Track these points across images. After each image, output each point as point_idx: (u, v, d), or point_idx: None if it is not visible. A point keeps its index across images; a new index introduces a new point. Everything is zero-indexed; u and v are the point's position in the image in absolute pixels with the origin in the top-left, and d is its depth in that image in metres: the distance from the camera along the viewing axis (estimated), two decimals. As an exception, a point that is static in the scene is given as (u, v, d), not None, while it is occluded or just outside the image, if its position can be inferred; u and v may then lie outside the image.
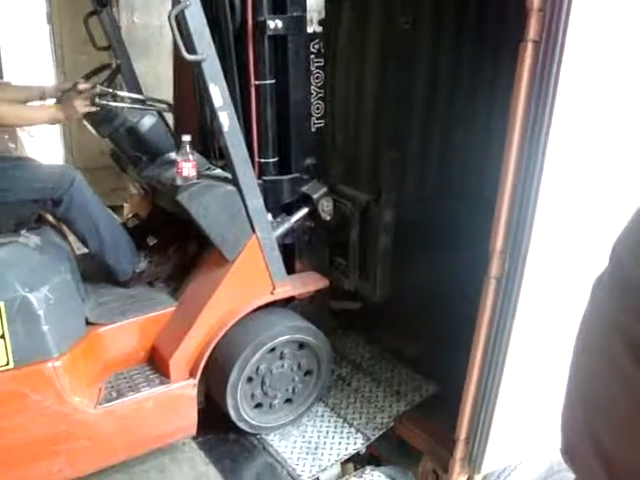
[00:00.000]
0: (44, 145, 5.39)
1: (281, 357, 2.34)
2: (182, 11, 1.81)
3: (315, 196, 2.33)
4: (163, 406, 2.18)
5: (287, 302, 2.46)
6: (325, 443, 2.39)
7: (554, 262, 1.79)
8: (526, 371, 1.94)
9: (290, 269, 2.40)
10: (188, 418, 2.25)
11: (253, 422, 2.36)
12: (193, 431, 2.30)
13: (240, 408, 2.30)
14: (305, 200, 2.35)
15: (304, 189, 2.35)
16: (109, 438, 2.11)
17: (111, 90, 2.17)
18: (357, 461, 2.47)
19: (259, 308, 2.31)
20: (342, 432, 2.43)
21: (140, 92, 2.59)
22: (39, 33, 5.00)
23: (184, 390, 2.21)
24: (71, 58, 4.68)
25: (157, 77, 3.57)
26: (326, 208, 2.35)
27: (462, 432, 2.05)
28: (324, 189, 2.35)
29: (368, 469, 2.35)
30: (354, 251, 2.48)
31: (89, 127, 2.40)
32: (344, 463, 2.41)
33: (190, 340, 2.18)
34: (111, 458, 2.17)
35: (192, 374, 2.22)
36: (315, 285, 2.44)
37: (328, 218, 2.37)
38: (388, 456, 2.51)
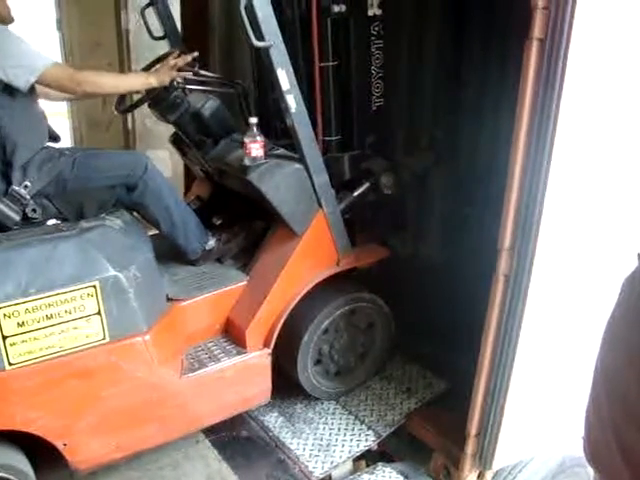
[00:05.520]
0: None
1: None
2: (250, 1, 1.92)
3: (376, 171, 2.43)
4: (241, 375, 2.31)
5: (347, 275, 2.56)
6: (337, 440, 2.43)
7: (562, 259, 1.80)
8: (536, 366, 1.94)
9: (351, 242, 2.48)
10: (263, 385, 2.39)
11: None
12: (268, 397, 2.43)
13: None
14: (367, 175, 2.45)
15: (365, 165, 2.44)
16: (194, 405, 2.25)
17: (196, 68, 2.28)
18: (369, 458, 2.48)
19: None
20: (354, 429, 2.47)
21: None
22: (49, 40, 5.09)
23: (260, 359, 2.33)
24: (81, 63, 4.75)
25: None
26: (387, 182, 2.44)
27: (473, 428, 2.06)
28: (385, 164, 2.44)
29: (380, 465, 2.37)
30: (412, 217, 2.54)
31: (154, 115, 2.52)
32: (356, 460, 2.43)
33: (264, 311, 2.30)
34: (196, 424, 2.32)
35: (266, 344, 2.34)
36: (377, 255, 2.55)
37: (389, 192, 2.45)
38: (399, 453, 2.51)
